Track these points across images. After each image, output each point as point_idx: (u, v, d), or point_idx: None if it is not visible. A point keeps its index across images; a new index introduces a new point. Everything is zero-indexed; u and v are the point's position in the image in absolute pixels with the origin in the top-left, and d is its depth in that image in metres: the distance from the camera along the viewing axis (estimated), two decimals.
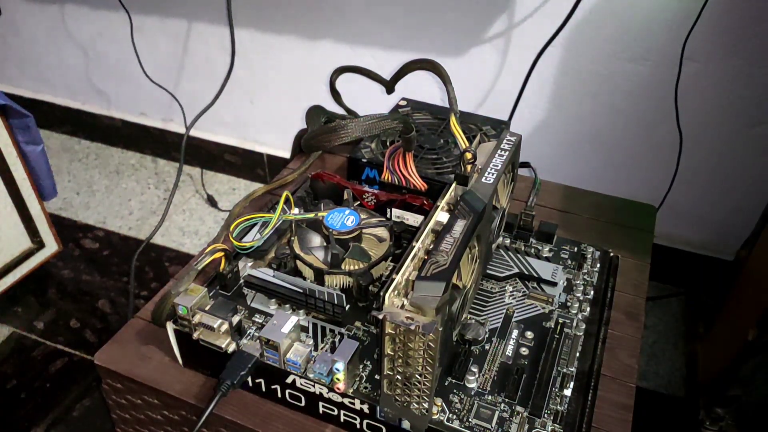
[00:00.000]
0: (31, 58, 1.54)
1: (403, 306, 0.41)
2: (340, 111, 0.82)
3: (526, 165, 0.74)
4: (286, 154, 1.40)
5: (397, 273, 0.43)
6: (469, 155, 0.50)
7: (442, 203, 0.50)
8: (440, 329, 0.40)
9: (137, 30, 1.32)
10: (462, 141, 0.56)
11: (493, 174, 0.52)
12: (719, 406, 0.91)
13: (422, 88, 1.03)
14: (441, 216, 0.48)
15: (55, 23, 1.44)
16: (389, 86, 0.69)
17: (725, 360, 0.88)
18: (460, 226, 0.46)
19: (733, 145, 1.02)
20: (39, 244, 1.10)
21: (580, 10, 0.93)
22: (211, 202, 1.39)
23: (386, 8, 1.11)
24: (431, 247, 0.45)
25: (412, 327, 0.39)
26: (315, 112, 0.76)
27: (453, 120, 0.56)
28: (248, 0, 1.19)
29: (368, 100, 0.97)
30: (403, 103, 0.79)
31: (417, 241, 0.46)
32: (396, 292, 0.42)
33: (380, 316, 0.40)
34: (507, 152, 0.54)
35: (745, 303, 0.91)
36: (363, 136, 0.59)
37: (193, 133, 1.42)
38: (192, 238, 1.30)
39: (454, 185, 0.52)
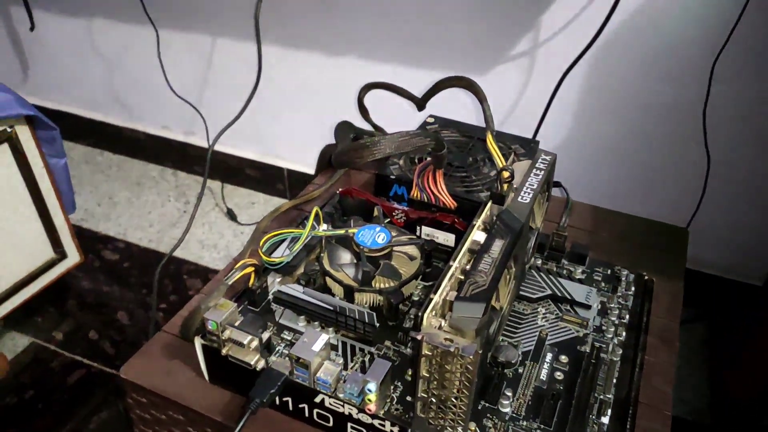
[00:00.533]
0: (57, 70, 1.56)
1: (440, 327, 0.40)
2: (367, 127, 0.81)
3: (557, 185, 0.73)
4: (306, 168, 1.40)
5: (434, 293, 0.42)
6: (506, 174, 0.49)
7: (479, 222, 0.49)
8: (480, 352, 0.39)
9: (164, 44, 1.33)
10: (499, 159, 0.55)
11: (529, 193, 0.51)
12: None
13: (447, 106, 1.03)
14: (478, 235, 0.48)
15: (82, 37, 1.46)
16: (420, 103, 0.69)
17: (756, 387, 0.86)
18: (498, 246, 0.45)
19: (762, 168, 1.01)
20: (61, 255, 1.10)
21: (607, 29, 0.92)
22: (231, 215, 1.39)
23: (410, 27, 1.12)
24: (468, 267, 0.44)
25: (452, 349, 0.39)
26: (344, 128, 0.75)
27: (489, 138, 0.56)
28: (275, 17, 1.20)
29: (394, 117, 0.97)
30: (431, 120, 0.79)
31: (454, 261, 0.45)
32: (434, 312, 0.41)
33: (419, 337, 0.39)
34: (543, 171, 0.54)
35: None
36: (395, 152, 0.59)
37: (215, 146, 1.43)
38: (211, 251, 1.30)
39: (489, 204, 0.51)
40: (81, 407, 0.97)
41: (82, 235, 1.31)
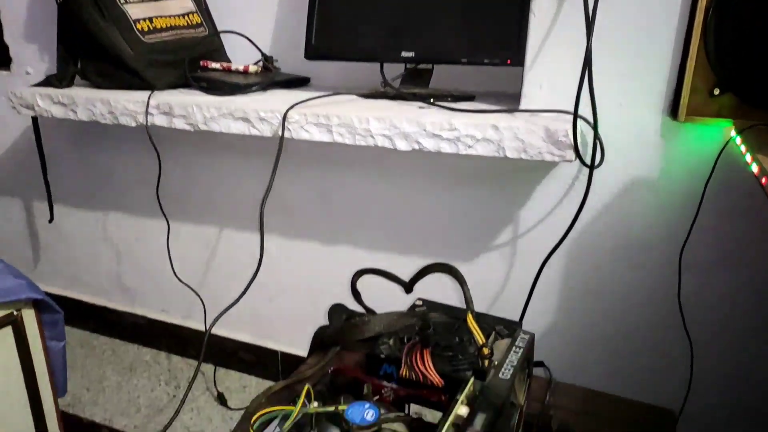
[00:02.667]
0: (69, 258, 1.65)
1: None
2: (360, 309, 0.86)
3: (539, 364, 0.75)
4: (301, 351, 1.41)
5: None
6: (486, 350, 0.53)
7: (462, 397, 0.51)
8: None
9: (173, 234, 1.43)
10: (479, 337, 0.59)
11: (509, 369, 0.54)
12: None
13: (436, 289, 1.09)
14: (461, 410, 0.50)
15: (96, 228, 1.58)
16: (408, 287, 0.74)
17: None
18: (480, 420, 0.47)
19: (746, 348, 1.04)
20: None
21: (580, 222, 1.02)
22: (221, 399, 1.37)
23: (400, 219, 1.22)
24: None
25: None
26: (337, 310, 0.80)
27: (470, 318, 0.60)
28: (276, 210, 1.31)
29: (385, 300, 1.02)
30: (419, 303, 0.84)
31: None
32: None
33: None
34: (522, 349, 0.57)
35: None
36: (384, 331, 0.63)
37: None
38: None
39: (472, 380, 0.54)
40: None
41: (66, 421, 1.28)
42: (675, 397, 1.06)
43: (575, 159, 0.91)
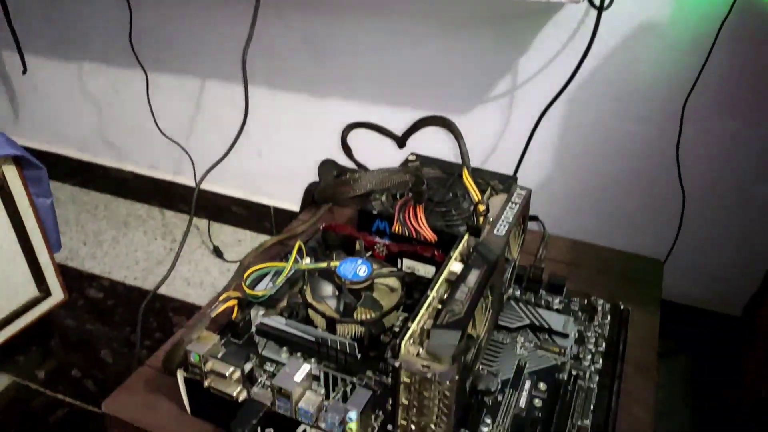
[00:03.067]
0: (47, 112, 1.59)
1: (418, 354, 0.41)
2: (351, 165, 0.84)
3: (534, 219, 0.75)
4: (293, 206, 1.42)
5: (412, 321, 0.43)
6: (482, 207, 0.51)
7: (456, 254, 0.51)
8: (456, 378, 0.40)
9: (152, 86, 1.36)
10: (475, 193, 0.57)
11: (504, 226, 0.53)
12: None
13: (429, 144, 1.06)
14: (455, 266, 0.49)
15: (72, 80, 1.49)
16: (401, 141, 0.71)
17: (741, 419, 0.87)
18: (474, 276, 0.47)
19: (736, 202, 1.04)
20: (45, 293, 1.10)
21: (582, 72, 0.96)
22: (217, 253, 1.39)
23: (393, 69, 1.16)
24: (446, 296, 0.46)
25: (429, 375, 0.40)
26: (327, 166, 0.78)
27: (465, 173, 0.58)
28: (262, 59, 1.24)
29: (377, 155, 0.99)
30: (413, 158, 0.81)
31: (431, 291, 0.46)
32: (412, 340, 0.43)
33: (396, 364, 0.40)
34: (518, 205, 0.56)
35: (760, 361, 0.90)
36: (375, 188, 0.61)
37: (201, 185, 1.44)
38: (197, 288, 1.30)
39: (467, 236, 0.53)
40: None
41: (66, 273, 1.31)
42: (662, 249, 1.08)
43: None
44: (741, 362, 0.96)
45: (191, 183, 1.47)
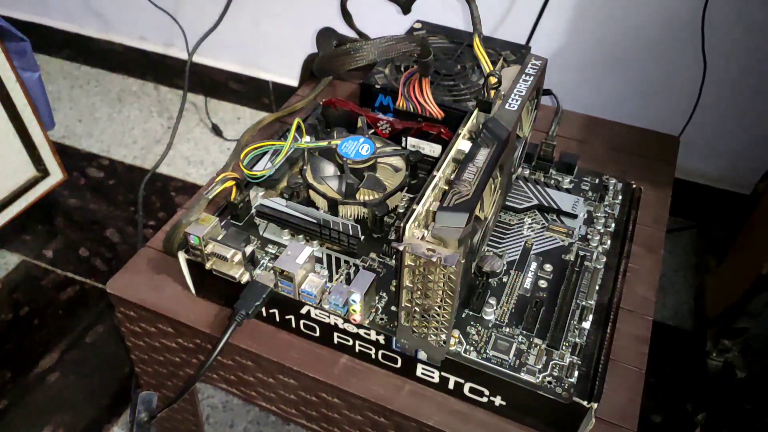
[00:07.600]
0: None
1: (423, 237, 0.40)
2: (351, 34, 0.78)
3: (547, 93, 0.70)
4: (293, 81, 1.35)
5: (417, 203, 0.41)
6: (493, 79, 0.47)
7: (464, 131, 0.48)
8: (462, 261, 0.39)
9: None
10: (486, 64, 0.53)
11: (517, 100, 0.49)
12: (726, 338, 0.91)
13: (436, 10, 0.98)
14: (463, 144, 0.46)
15: None
16: (405, 6, 0.65)
17: (736, 293, 0.88)
18: (483, 155, 0.44)
19: (757, 76, 0.98)
20: (44, 173, 1.08)
21: None
22: (216, 131, 1.36)
23: None
24: (453, 176, 0.43)
25: (434, 259, 0.38)
26: (326, 35, 0.72)
27: (477, 41, 0.53)
28: None
29: (379, 23, 0.92)
30: (418, 26, 0.75)
31: (438, 171, 0.44)
32: (416, 223, 0.41)
33: (401, 248, 0.39)
34: (532, 77, 0.51)
35: (759, 236, 0.90)
36: (379, 59, 0.56)
37: (195, 59, 1.37)
38: (198, 167, 1.28)
39: (476, 112, 0.49)
40: (76, 322, 0.98)
41: (64, 152, 1.29)
42: (676, 124, 1.04)
43: None
44: (742, 237, 0.96)
45: (184, 56, 1.40)
